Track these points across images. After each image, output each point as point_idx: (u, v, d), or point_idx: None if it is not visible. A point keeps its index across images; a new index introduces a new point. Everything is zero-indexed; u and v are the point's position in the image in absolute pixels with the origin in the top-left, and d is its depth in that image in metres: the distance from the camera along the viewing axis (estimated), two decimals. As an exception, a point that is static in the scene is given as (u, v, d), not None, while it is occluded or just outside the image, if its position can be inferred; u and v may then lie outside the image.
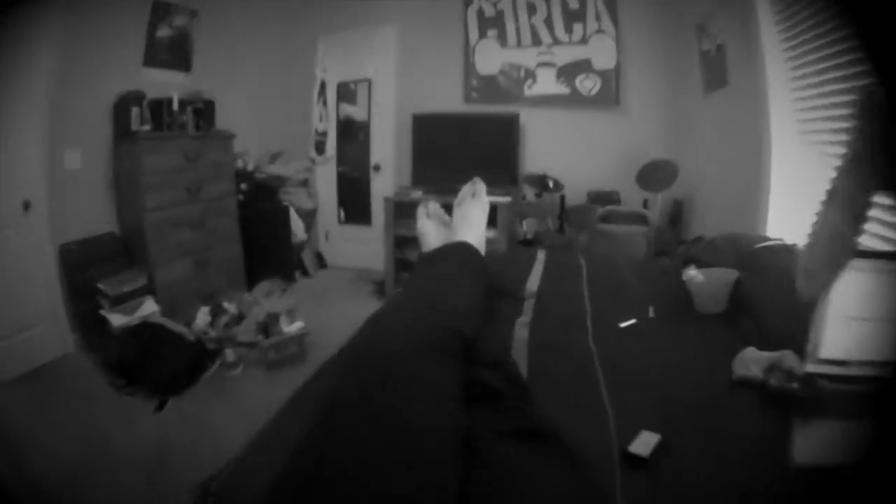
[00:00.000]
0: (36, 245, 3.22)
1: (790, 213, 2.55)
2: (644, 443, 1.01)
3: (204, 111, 4.02)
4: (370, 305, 3.24)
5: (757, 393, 1.21)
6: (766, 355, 1.29)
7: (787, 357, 1.24)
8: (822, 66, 2.18)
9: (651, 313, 1.73)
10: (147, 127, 3.61)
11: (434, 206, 1.70)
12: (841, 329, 1.12)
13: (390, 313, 1.09)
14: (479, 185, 1.69)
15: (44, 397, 2.83)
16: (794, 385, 1.13)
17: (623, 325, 1.63)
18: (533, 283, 1.92)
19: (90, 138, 3.58)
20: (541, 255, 2.28)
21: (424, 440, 0.69)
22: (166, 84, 3.93)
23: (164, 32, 4.03)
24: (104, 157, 3.68)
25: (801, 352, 1.20)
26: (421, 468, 0.65)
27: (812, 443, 1.01)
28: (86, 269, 3.37)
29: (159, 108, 3.71)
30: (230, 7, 4.68)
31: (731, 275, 1.79)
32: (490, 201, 1.66)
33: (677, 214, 4.10)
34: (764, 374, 1.23)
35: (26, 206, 3.13)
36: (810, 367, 1.14)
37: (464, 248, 1.40)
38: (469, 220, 1.54)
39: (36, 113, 3.17)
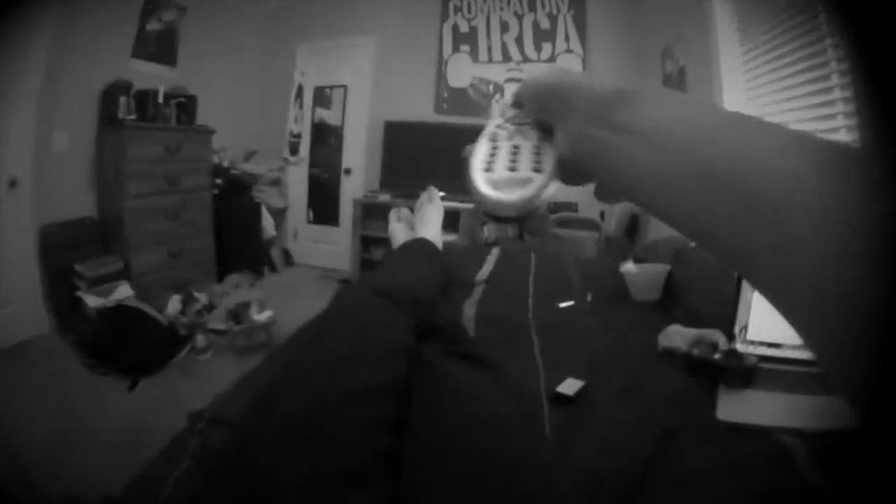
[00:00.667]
0: (18, 223, 3.29)
1: None
2: (570, 385, 1.20)
3: (187, 105, 4.14)
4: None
5: (679, 361, 1.35)
6: (692, 331, 1.42)
7: (713, 334, 1.37)
8: (778, 85, 2.39)
9: (589, 298, 1.95)
10: (132, 116, 3.72)
11: (405, 211, 1.97)
12: (771, 314, 1.32)
13: (356, 283, 1.34)
14: (434, 192, 1.96)
15: (18, 375, 2.89)
16: (717, 356, 1.26)
17: (562, 305, 1.83)
18: (484, 272, 2.13)
19: (78, 123, 3.68)
20: (495, 251, 2.50)
21: (377, 349, 0.91)
22: (152, 76, 4.07)
23: (153, 26, 4.17)
24: (89, 142, 3.78)
25: (727, 333, 1.36)
26: (374, 364, 0.87)
27: (734, 406, 1.13)
28: (64, 251, 3.45)
29: (145, 99, 3.82)
30: (217, 7, 4.83)
31: (663, 268, 2.00)
32: (448, 206, 1.94)
33: (633, 226, 4.35)
34: (688, 346, 1.36)
35: (12, 183, 3.21)
36: (739, 347, 1.32)
37: (420, 242, 1.67)
38: (426, 220, 1.82)
39: (28, 93, 3.27)
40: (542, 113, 0.42)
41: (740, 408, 1.12)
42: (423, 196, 1.96)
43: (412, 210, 1.98)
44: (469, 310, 1.73)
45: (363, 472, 0.69)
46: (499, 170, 0.41)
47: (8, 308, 3.24)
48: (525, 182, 0.39)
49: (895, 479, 0.21)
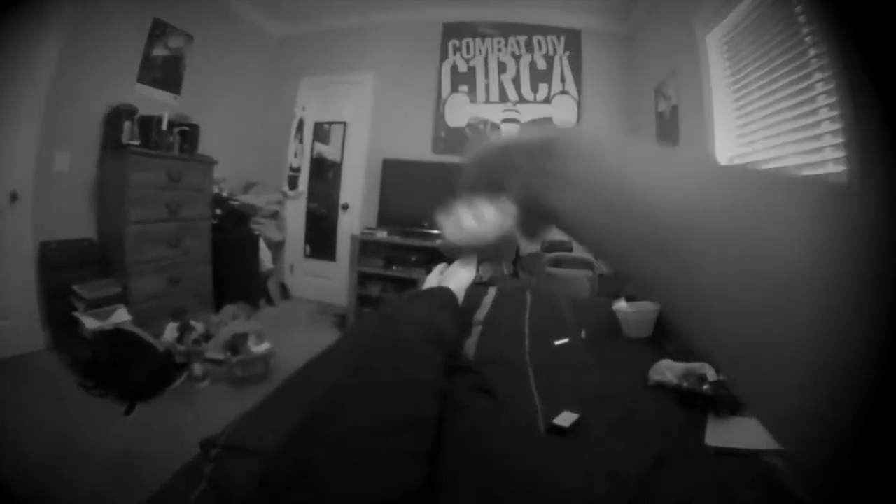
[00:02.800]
0: (17, 238, 3.34)
1: None
2: (565, 418, 1.27)
3: (189, 134, 4.19)
4: (332, 336, 3.42)
5: (670, 394, 1.41)
6: (682, 365, 1.48)
7: (702, 367, 1.43)
8: (766, 121, 2.49)
9: (583, 335, 2.01)
10: (136, 142, 3.77)
11: (444, 266, 2.07)
12: None
13: (396, 320, 1.43)
14: (473, 260, 2.10)
15: (12, 389, 2.92)
16: (706, 388, 1.33)
17: (557, 343, 1.91)
18: (481, 313, 2.22)
19: (80, 144, 3.74)
20: (491, 291, 2.59)
21: (417, 384, 0.98)
22: (155, 102, 4.15)
23: (160, 52, 4.26)
24: (90, 164, 3.83)
25: (713, 366, 1.39)
26: (415, 398, 0.94)
27: (721, 432, 1.20)
28: (62, 270, 3.49)
29: (149, 126, 3.86)
30: (223, 38, 4.95)
31: (654, 306, 2.04)
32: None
33: (627, 265, 4.42)
34: (678, 379, 1.42)
35: (13, 196, 3.27)
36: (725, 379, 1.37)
37: (444, 291, 1.80)
38: (455, 276, 1.95)
39: (33, 111, 3.34)
40: (493, 176, 0.48)
41: (728, 434, 1.19)
42: (463, 259, 2.11)
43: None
44: (469, 349, 1.82)
45: (406, 498, 0.74)
46: (465, 219, 0.50)
47: (5, 321, 3.28)
48: (485, 221, 0.48)
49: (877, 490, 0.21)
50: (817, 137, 2.07)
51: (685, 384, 1.39)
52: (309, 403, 1.07)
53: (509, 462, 0.89)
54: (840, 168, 1.85)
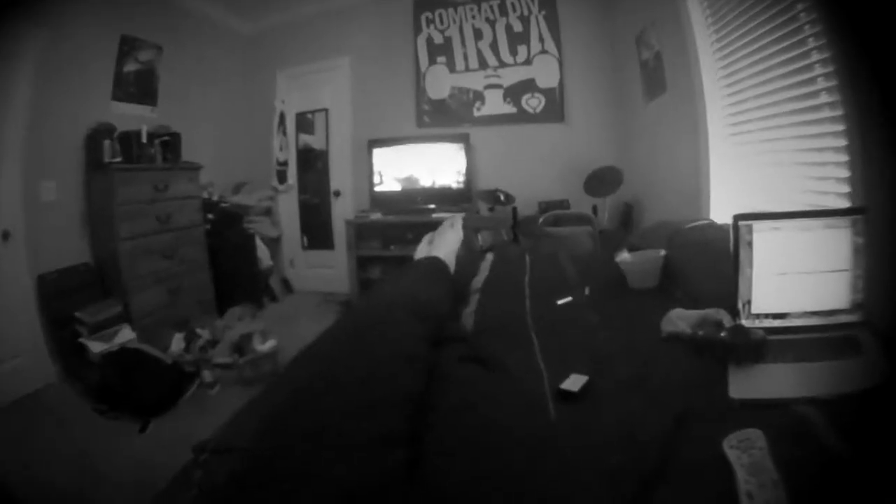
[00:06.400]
0: (14, 275, 3.30)
1: (730, 202, 2.74)
2: (574, 382, 1.18)
3: (171, 143, 4.15)
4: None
5: (685, 345, 1.30)
6: (694, 312, 1.39)
7: (717, 313, 1.35)
8: (751, 61, 2.37)
9: (587, 292, 1.94)
10: (118, 159, 3.74)
11: (433, 234, 2.06)
12: (774, 285, 1.30)
13: (376, 297, 1.38)
14: (457, 219, 2.11)
15: (31, 427, 2.89)
16: (723, 335, 1.23)
17: (560, 303, 1.83)
18: (479, 280, 2.15)
19: (64, 170, 3.70)
20: (489, 258, 2.52)
21: (394, 361, 0.95)
22: (134, 117, 4.09)
23: (131, 67, 4.20)
24: (77, 188, 3.79)
25: (730, 310, 1.34)
26: (388, 378, 0.90)
27: (745, 383, 1.09)
28: (63, 299, 3.46)
29: (128, 141, 3.83)
30: (192, 42, 4.88)
31: (658, 253, 1.98)
32: (438, 217, 2.06)
33: (628, 216, 4.36)
34: (693, 329, 1.33)
35: (5, 235, 3.23)
36: (745, 322, 1.30)
37: (432, 259, 1.81)
38: (443, 243, 1.95)
39: (12, 146, 3.30)
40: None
41: (752, 383, 1.10)
42: (447, 222, 2.11)
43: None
44: (467, 319, 1.74)
45: (382, 482, 0.71)
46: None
47: (15, 360, 3.25)
48: None
49: None
50: (811, 79, 1.91)
51: (700, 333, 1.29)
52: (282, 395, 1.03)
53: (508, 435, 0.84)
54: (836, 112, 1.74)
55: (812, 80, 1.89)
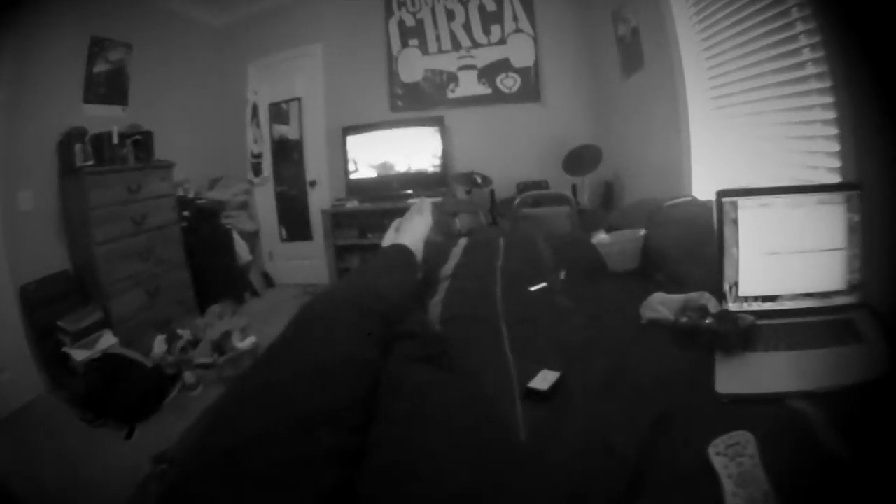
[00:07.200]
0: (-2, 290, 3.24)
1: (711, 177, 2.71)
2: (543, 379, 1.11)
3: (143, 142, 4.08)
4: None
5: (667, 333, 1.22)
6: (677, 297, 1.32)
7: (701, 297, 1.28)
8: (734, 32, 2.27)
9: (562, 276, 1.87)
10: (90, 162, 3.67)
11: (400, 221, 1.97)
12: (763, 266, 1.24)
13: (334, 285, 1.34)
14: (425, 203, 2.02)
15: (23, 442, 2.87)
16: (709, 321, 1.14)
17: (533, 288, 1.76)
18: (449, 267, 2.04)
19: (39, 178, 3.63)
20: (461, 242, 2.43)
21: (335, 365, 0.89)
22: (106, 118, 4.01)
23: (101, 67, 4.12)
24: (53, 195, 3.73)
25: (716, 294, 1.27)
26: (327, 389, 0.84)
27: (734, 375, 1.02)
28: (45, 309, 3.41)
29: (100, 143, 3.76)
30: (162, 39, 4.78)
31: (637, 233, 1.91)
32: (414, 201, 2.00)
33: (609, 195, 4.33)
34: (675, 315, 1.24)
35: None
36: (732, 307, 1.25)
37: (396, 247, 1.74)
38: (409, 228, 1.87)
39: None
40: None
41: (742, 376, 1.01)
42: (414, 207, 2.02)
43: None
44: (434, 309, 1.65)
45: None
46: None
47: (3, 375, 3.19)
48: None
49: None
50: (796, 50, 1.82)
51: (683, 319, 1.20)
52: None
53: (461, 451, 0.76)
54: (824, 84, 1.69)
55: (798, 52, 1.81)
